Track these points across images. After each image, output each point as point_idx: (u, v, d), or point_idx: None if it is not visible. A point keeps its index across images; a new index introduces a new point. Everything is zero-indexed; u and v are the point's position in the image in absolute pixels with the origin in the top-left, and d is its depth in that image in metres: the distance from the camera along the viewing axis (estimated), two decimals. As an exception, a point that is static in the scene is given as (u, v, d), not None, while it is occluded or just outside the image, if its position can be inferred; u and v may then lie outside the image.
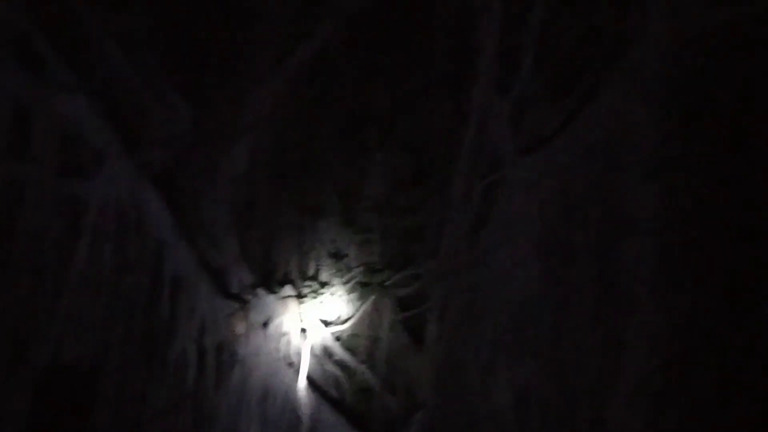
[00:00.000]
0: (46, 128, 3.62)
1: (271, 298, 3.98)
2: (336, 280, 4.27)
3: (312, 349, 4.01)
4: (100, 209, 3.72)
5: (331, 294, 4.24)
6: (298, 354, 3.95)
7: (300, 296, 4.08)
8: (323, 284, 4.26)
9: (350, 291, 4.29)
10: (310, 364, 3.97)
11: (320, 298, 4.20)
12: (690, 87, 3.46)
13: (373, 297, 4.24)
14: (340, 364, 4.10)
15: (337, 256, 4.39)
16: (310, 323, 4.06)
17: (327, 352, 4.10)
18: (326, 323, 4.13)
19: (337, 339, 4.15)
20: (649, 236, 3.52)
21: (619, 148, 3.64)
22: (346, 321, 4.19)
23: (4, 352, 3.55)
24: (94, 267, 3.72)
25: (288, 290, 4.04)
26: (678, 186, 3.51)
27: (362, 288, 4.29)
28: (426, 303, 4.14)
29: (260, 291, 4.00)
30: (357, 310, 4.21)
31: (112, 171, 3.74)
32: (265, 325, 3.92)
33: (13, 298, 3.56)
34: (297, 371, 3.92)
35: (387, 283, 4.29)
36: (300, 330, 4.00)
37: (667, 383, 3.52)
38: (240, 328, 3.90)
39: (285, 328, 3.97)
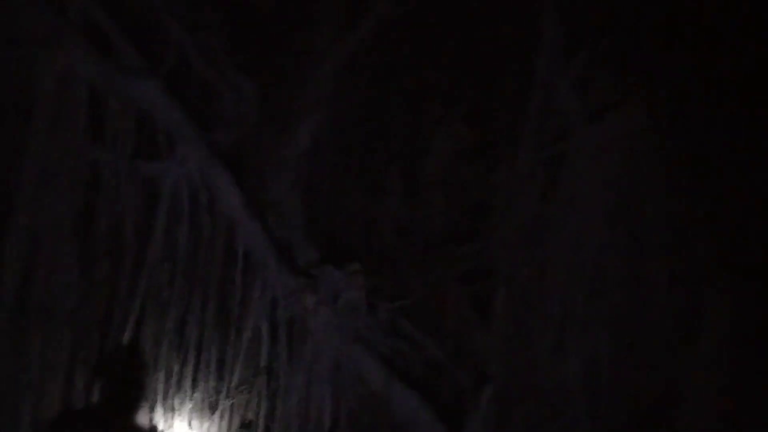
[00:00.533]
0: (121, 112, 3.71)
1: (338, 273, 4.00)
2: (401, 255, 4.28)
3: (380, 323, 4.03)
4: (173, 189, 3.81)
5: (397, 269, 4.25)
6: (367, 328, 3.97)
7: (366, 271, 4.09)
8: (388, 259, 4.27)
9: (415, 265, 4.29)
10: (378, 338, 3.99)
11: (386, 272, 4.21)
12: None
13: (438, 271, 4.24)
14: (408, 338, 4.11)
15: (401, 231, 4.40)
16: (377, 298, 4.08)
17: (394, 327, 4.11)
18: (393, 297, 4.14)
19: (404, 313, 4.16)
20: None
21: (692, 112, 3.55)
22: (412, 295, 4.19)
23: (89, 331, 3.69)
24: (170, 246, 3.81)
25: (354, 266, 4.05)
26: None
27: (427, 262, 4.28)
28: (492, 276, 4.12)
29: (328, 267, 4.01)
30: (423, 285, 4.21)
31: (183, 152, 3.81)
32: (334, 300, 3.95)
33: (95, 278, 3.69)
34: (366, 345, 3.94)
35: (453, 256, 4.27)
36: (367, 304, 4.01)
37: (746, 351, 3.45)
38: (310, 303, 3.93)
39: (353, 302, 3.99)
